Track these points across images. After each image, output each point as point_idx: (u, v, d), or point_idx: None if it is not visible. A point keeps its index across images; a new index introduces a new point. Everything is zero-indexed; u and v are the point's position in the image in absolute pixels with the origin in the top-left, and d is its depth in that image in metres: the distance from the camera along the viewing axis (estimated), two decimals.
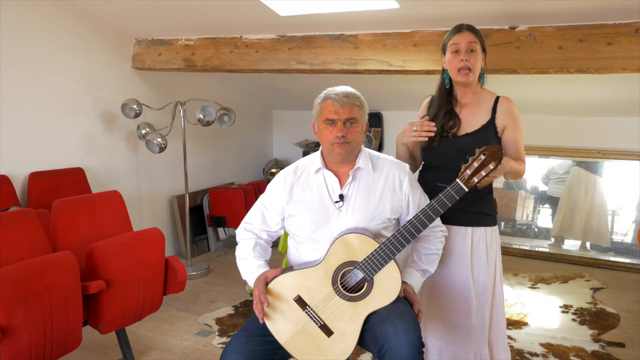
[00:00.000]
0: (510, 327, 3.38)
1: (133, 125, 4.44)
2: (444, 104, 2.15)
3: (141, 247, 2.71)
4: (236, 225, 2.14)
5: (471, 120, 2.13)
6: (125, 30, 4.31)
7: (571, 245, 4.83)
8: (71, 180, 3.91)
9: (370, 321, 1.78)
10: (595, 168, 4.81)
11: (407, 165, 1.98)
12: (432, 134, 2.06)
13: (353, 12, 3.22)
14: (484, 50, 2.11)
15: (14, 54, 3.62)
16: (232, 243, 5.36)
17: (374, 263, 1.75)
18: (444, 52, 2.12)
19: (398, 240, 1.75)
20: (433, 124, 2.05)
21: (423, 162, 2.23)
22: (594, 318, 3.54)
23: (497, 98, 2.15)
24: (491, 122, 2.11)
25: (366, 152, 1.95)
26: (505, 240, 5.08)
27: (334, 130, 1.83)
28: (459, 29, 2.08)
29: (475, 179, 1.76)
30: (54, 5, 3.82)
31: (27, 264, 2.25)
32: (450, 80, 2.13)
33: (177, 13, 3.71)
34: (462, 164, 1.83)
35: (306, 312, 1.80)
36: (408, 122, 2.09)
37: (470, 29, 2.07)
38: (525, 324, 3.45)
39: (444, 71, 2.15)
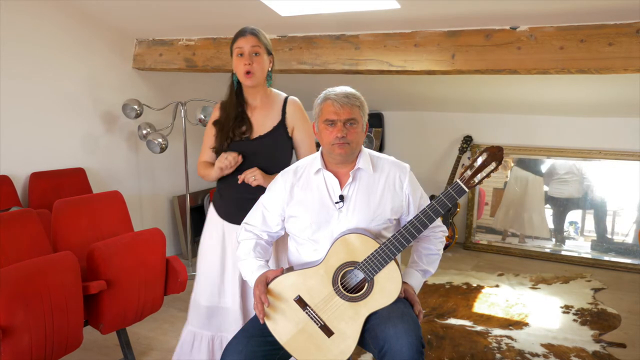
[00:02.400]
0: (511, 327, 3.38)
1: (134, 125, 4.44)
2: (235, 107, 2.21)
3: (142, 247, 2.71)
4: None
5: (263, 122, 2.21)
6: (126, 31, 4.32)
7: (572, 245, 4.83)
8: (72, 181, 3.92)
9: (370, 321, 1.78)
10: (536, 167, 4.99)
11: (407, 166, 1.98)
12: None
13: (354, 12, 3.22)
14: (270, 53, 2.21)
15: (14, 55, 3.62)
16: None
17: (375, 263, 1.75)
18: (231, 55, 2.19)
19: (398, 241, 1.75)
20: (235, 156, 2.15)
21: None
22: (595, 318, 3.54)
23: (286, 99, 2.26)
24: (282, 123, 2.22)
25: (366, 152, 1.95)
26: (507, 241, 5.08)
27: (334, 131, 1.83)
28: (242, 32, 2.16)
29: (476, 179, 1.76)
30: (55, 6, 3.83)
31: (27, 264, 2.25)
32: (239, 82, 2.20)
33: (178, 13, 3.71)
34: (253, 166, 2.12)
35: (306, 313, 1.80)
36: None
37: (254, 33, 2.16)
38: (526, 324, 3.44)
39: (233, 73, 2.22)
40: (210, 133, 2.27)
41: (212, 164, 2.25)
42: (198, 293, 2.34)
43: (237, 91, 2.22)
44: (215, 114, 2.27)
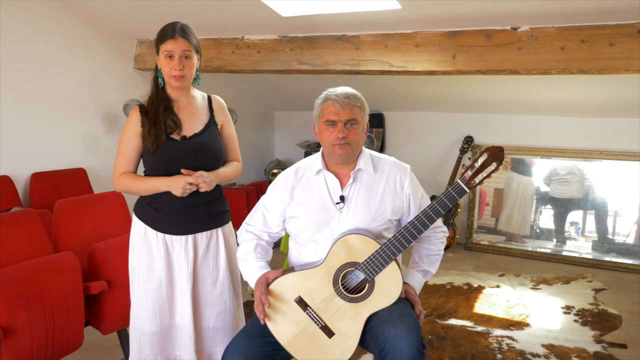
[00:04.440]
0: (512, 327, 3.38)
1: None
2: (162, 102, 2.05)
3: None
4: (238, 226, 2.13)
5: (193, 121, 2.11)
6: (127, 31, 4.32)
7: (573, 246, 4.83)
8: (73, 181, 3.92)
9: (371, 322, 1.78)
10: (529, 169, 5.06)
11: (408, 166, 1.98)
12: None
13: (355, 12, 3.22)
14: (198, 52, 2.07)
15: (15, 55, 3.62)
16: None
17: (375, 264, 1.75)
18: (157, 51, 2.03)
19: (399, 241, 1.75)
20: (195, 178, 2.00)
21: (150, 174, 2.09)
22: (596, 319, 3.54)
23: (209, 97, 2.20)
24: (212, 121, 2.15)
25: (367, 153, 1.95)
26: (507, 241, 5.08)
27: (335, 132, 1.83)
28: (172, 33, 1.99)
29: (477, 180, 1.76)
30: (56, 6, 3.83)
31: (28, 265, 2.25)
32: (164, 79, 2.06)
33: (179, 13, 3.70)
34: (195, 166, 2.00)
35: (307, 313, 1.80)
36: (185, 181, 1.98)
37: (185, 35, 2.00)
38: (527, 324, 3.44)
39: (157, 69, 2.07)
40: (130, 139, 2.08)
41: (137, 175, 2.10)
42: (143, 321, 2.09)
43: (162, 89, 2.08)
44: (135, 117, 2.06)
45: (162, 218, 2.07)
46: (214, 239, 2.14)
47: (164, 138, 2.01)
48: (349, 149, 1.84)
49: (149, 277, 2.08)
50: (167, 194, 2.03)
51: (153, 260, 2.07)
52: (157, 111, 2.04)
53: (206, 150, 2.07)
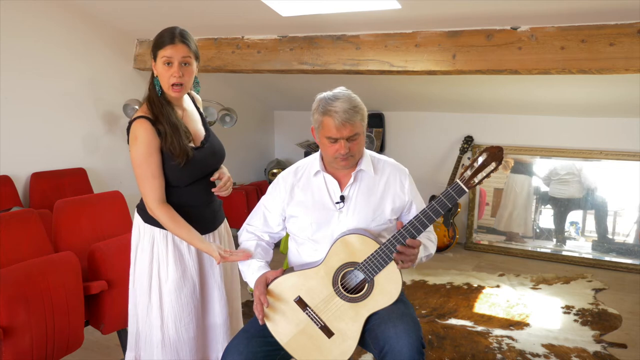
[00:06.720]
0: (512, 327, 3.38)
1: None
2: (171, 112, 1.95)
3: None
4: (238, 226, 2.13)
5: (194, 124, 2.08)
6: (127, 31, 4.32)
7: (573, 246, 4.83)
8: (73, 181, 3.92)
9: (371, 322, 1.79)
10: (528, 169, 5.05)
11: (406, 169, 2.00)
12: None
13: (355, 12, 3.22)
14: (197, 58, 1.97)
15: (15, 55, 3.63)
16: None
17: (375, 264, 1.75)
18: (154, 57, 1.94)
19: (398, 241, 1.75)
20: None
21: (177, 185, 1.98)
22: (596, 319, 3.54)
23: (189, 95, 2.17)
24: (204, 118, 2.17)
25: (367, 154, 1.95)
26: (507, 241, 5.08)
27: (337, 147, 1.80)
28: (171, 39, 1.88)
29: (476, 180, 1.75)
30: (56, 6, 3.83)
31: (29, 265, 2.25)
32: (161, 87, 1.96)
33: (179, 13, 3.71)
34: (213, 169, 2.05)
35: (307, 313, 1.80)
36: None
37: (185, 41, 1.90)
38: (527, 324, 3.44)
39: (154, 77, 1.97)
40: (152, 156, 1.91)
41: (178, 217, 1.96)
42: (180, 330, 2.02)
43: (163, 97, 1.96)
44: (150, 131, 1.91)
45: (192, 222, 2.00)
46: (224, 229, 2.19)
47: (191, 149, 1.95)
48: (352, 160, 1.85)
49: (183, 284, 2.01)
50: (189, 199, 2.01)
51: (185, 266, 2.03)
52: (176, 124, 1.94)
53: (221, 151, 2.11)
